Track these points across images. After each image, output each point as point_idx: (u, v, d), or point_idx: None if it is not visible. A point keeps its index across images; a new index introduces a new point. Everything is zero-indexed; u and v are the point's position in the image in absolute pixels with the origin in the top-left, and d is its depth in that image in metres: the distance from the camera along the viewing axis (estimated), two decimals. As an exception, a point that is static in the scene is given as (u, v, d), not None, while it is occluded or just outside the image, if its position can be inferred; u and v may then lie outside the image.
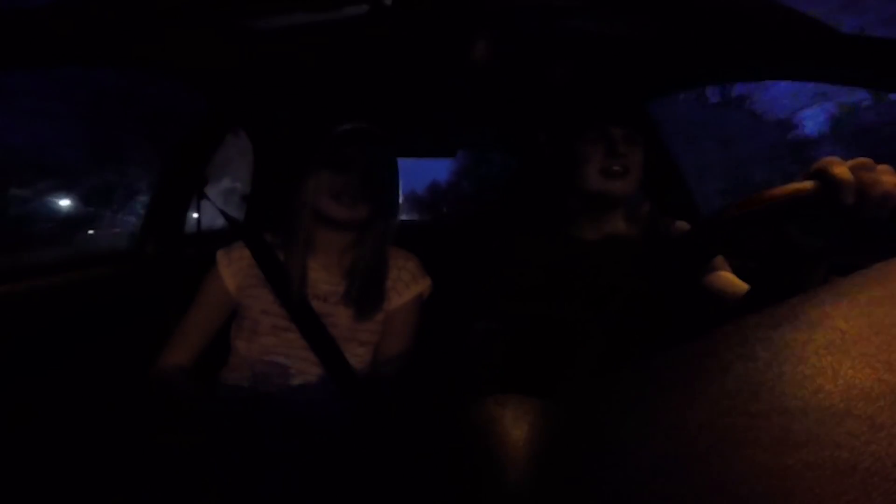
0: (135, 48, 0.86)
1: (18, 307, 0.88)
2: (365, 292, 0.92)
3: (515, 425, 0.36)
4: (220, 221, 1.35)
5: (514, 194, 1.06)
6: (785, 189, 0.49)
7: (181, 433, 0.81)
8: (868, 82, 0.79)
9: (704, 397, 0.28)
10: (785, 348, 0.27)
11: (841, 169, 0.47)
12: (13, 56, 0.73)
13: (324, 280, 0.94)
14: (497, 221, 1.02)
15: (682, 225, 0.90)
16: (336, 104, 1.41)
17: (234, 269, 0.95)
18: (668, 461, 0.25)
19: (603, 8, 0.75)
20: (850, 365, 0.24)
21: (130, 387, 0.95)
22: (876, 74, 0.75)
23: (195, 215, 1.29)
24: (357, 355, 0.94)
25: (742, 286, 0.77)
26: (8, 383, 0.83)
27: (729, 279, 0.80)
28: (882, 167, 0.48)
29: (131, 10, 0.72)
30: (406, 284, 0.96)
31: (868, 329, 0.25)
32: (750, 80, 1.07)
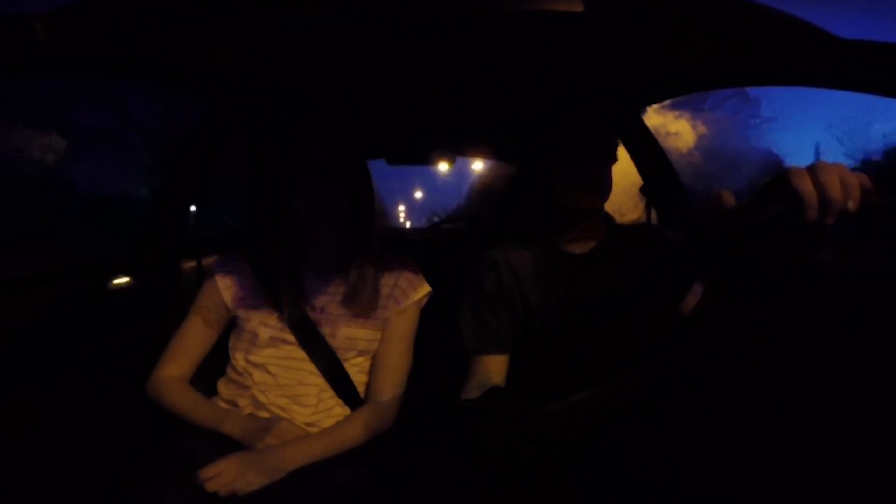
0: (135, 54, 0.87)
1: (18, 313, 0.87)
2: (360, 301, 0.91)
3: (511, 429, 0.36)
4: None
5: (508, 206, 1.06)
6: (750, 208, 0.50)
7: (179, 441, 0.81)
8: (864, 87, 0.79)
9: (694, 401, 0.28)
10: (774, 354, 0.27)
11: (804, 184, 0.48)
12: (15, 63, 0.74)
13: (319, 290, 0.93)
14: (491, 234, 1.01)
15: (673, 234, 0.91)
16: (335, 109, 1.42)
17: (230, 281, 0.94)
18: (660, 459, 0.25)
19: (596, 15, 0.76)
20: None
21: (128, 392, 0.94)
22: (873, 79, 0.75)
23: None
24: (356, 364, 0.93)
25: None
26: (6, 388, 0.82)
27: None
28: (837, 166, 0.49)
29: (132, 15, 0.72)
30: (404, 291, 0.95)
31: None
32: (743, 85, 1.08)
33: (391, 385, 0.92)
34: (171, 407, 0.86)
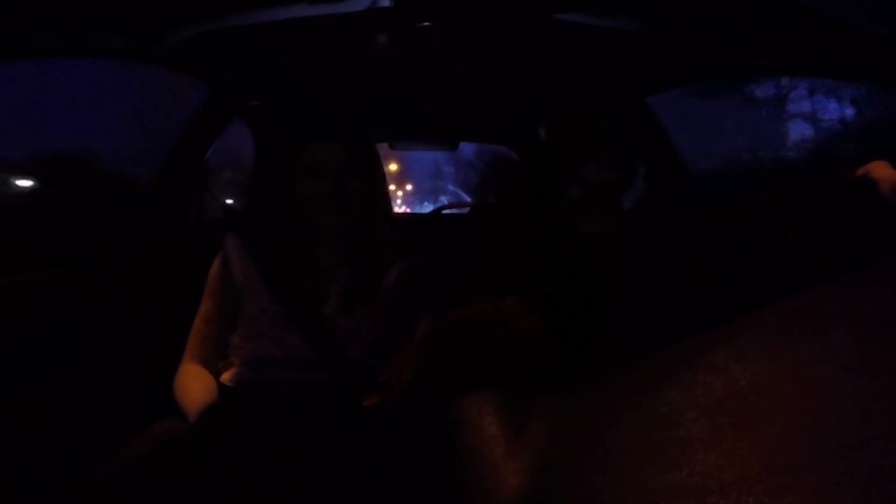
0: (138, 41, 0.86)
1: (18, 299, 0.87)
2: (364, 290, 0.92)
3: (498, 423, 0.36)
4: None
5: (517, 188, 1.06)
6: (830, 177, 0.52)
7: (179, 430, 0.80)
8: (868, 77, 0.78)
9: (687, 398, 0.28)
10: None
11: (888, 168, 0.50)
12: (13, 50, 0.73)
13: (323, 279, 0.93)
14: (498, 216, 1.02)
15: (681, 219, 0.92)
16: (336, 95, 1.41)
17: (240, 255, 0.93)
18: (650, 455, 0.26)
19: (603, 1, 0.75)
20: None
21: (129, 378, 0.95)
22: (876, 69, 0.74)
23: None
24: (359, 350, 0.92)
25: None
26: (7, 378, 0.82)
27: None
28: None
29: (132, 3, 0.71)
30: (407, 279, 0.95)
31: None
32: (753, 74, 1.07)
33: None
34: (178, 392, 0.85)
